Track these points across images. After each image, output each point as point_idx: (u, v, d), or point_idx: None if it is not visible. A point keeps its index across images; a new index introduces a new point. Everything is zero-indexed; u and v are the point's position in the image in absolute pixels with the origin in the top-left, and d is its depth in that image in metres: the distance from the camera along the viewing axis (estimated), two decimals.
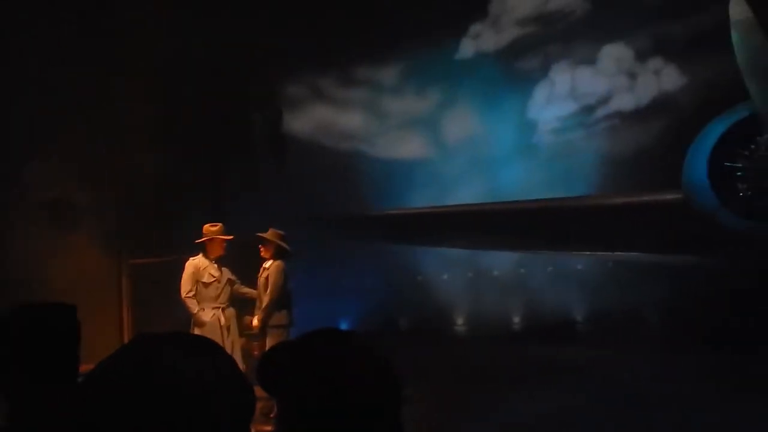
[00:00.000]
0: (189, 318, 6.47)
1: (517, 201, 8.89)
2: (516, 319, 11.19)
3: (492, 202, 9.63)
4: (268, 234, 6.61)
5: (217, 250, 6.48)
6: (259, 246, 6.65)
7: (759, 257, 6.00)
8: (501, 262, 11.30)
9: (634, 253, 8.92)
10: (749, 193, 5.63)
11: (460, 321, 11.32)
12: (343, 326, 9.97)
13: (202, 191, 8.81)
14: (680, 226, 6.36)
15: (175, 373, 0.87)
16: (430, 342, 9.97)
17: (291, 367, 1.09)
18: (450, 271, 11.40)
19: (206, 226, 6.53)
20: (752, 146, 5.62)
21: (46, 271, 7.41)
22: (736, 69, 5.47)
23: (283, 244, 6.60)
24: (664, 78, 10.79)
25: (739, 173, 5.68)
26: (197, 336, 1.01)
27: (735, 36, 5.27)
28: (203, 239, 6.48)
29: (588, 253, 10.04)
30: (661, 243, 7.24)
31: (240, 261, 7.01)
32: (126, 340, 5.26)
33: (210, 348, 0.95)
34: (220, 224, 6.58)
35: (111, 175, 8.30)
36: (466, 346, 10.51)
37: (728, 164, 5.71)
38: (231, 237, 6.56)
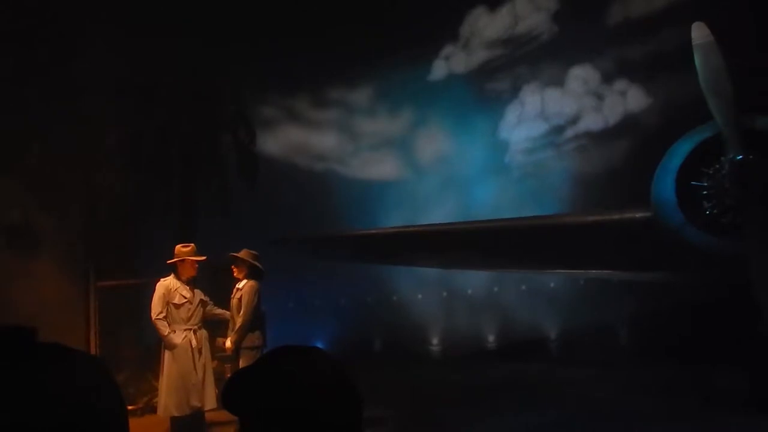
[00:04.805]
0: (159, 340, 6.34)
1: (489, 220, 8.97)
2: (490, 338, 11.22)
3: (465, 221, 9.70)
4: (242, 254, 6.55)
5: (189, 271, 6.39)
6: (232, 266, 6.58)
7: (725, 273, 6.13)
8: (474, 281, 11.35)
9: (605, 271, 9.04)
10: (714, 210, 5.78)
11: (434, 340, 11.31)
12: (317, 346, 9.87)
13: (172, 212, 8.70)
14: (649, 244, 6.47)
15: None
16: (405, 361, 9.94)
17: (253, 388, 1.10)
18: (424, 291, 11.40)
19: (178, 247, 6.45)
20: (717, 165, 5.77)
21: (9, 296, 7.21)
22: (701, 89, 5.63)
23: (257, 264, 6.55)
24: (630, 99, 11.05)
25: (704, 191, 5.83)
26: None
27: (697, 59, 5.44)
28: (175, 260, 6.39)
29: (560, 271, 10.14)
30: (631, 260, 7.35)
31: (212, 282, 6.92)
32: None
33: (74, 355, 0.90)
34: (192, 245, 6.49)
35: (77, 196, 8.15)
36: (440, 366, 10.49)
37: (694, 183, 5.85)
38: (203, 258, 6.48)
